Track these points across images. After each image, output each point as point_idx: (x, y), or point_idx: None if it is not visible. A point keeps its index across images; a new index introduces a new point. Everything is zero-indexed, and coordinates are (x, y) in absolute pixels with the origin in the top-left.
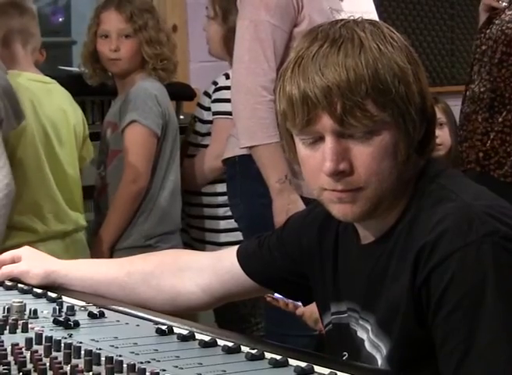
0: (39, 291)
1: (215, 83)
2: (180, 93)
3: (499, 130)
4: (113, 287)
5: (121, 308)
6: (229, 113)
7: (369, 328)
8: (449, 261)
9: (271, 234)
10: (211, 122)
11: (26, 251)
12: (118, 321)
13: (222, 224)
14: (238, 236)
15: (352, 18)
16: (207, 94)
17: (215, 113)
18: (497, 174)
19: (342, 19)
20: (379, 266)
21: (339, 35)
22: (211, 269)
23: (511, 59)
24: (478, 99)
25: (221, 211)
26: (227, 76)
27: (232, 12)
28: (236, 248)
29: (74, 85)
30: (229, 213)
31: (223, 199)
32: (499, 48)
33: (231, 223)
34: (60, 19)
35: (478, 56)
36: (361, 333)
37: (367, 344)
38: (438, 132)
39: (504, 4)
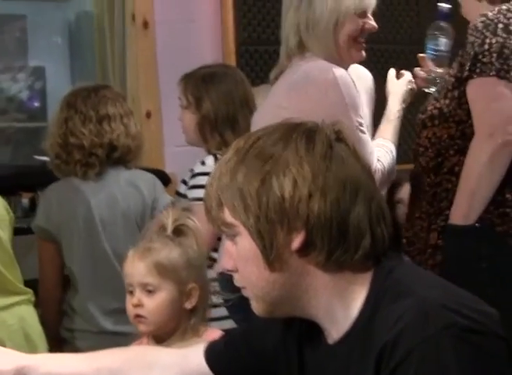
0: None
1: (191, 170)
2: None
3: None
4: None
5: None
6: None
7: None
8: (410, 358)
9: (237, 332)
10: None
11: None
12: None
13: None
14: None
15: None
16: (184, 181)
17: (192, 200)
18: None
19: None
20: (341, 366)
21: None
22: (177, 367)
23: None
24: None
25: None
26: (202, 163)
27: (204, 99)
28: (202, 346)
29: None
30: None
31: None
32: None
33: None
34: (36, 104)
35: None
36: None
37: None
38: None
39: (432, 89)
